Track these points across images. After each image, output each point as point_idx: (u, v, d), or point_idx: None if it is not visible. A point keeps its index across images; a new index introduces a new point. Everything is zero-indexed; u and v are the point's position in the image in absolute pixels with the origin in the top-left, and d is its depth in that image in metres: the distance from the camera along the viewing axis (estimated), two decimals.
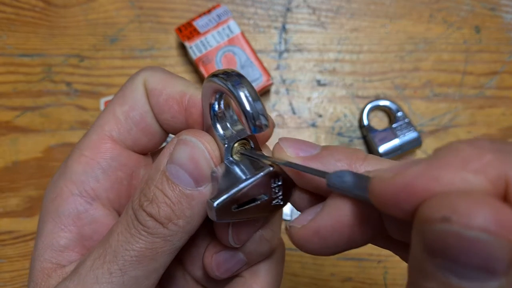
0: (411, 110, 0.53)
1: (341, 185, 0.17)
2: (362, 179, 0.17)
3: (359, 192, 0.17)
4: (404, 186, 0.14)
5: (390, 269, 0.48)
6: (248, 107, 0.18)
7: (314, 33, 0.55)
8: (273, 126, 0.22)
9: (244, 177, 0.20)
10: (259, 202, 0.20)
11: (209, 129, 0.21)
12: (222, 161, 0.21)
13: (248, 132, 0.19)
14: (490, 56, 0.55)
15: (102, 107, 0.51)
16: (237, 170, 0.21)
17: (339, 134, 0.52)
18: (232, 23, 0.50)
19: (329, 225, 0.18)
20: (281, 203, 0.21)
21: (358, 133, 0.52)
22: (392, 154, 0.49)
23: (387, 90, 0.53)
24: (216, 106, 0.21)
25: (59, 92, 0.53)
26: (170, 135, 0.24)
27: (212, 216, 0.19)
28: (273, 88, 0.53)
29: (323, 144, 0.54)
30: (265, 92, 0.52)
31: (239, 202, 0.20)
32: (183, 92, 0.22)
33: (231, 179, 0.20)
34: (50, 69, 0.54)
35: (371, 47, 0.55)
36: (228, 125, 0.21)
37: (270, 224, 0.23)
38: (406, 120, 0.50)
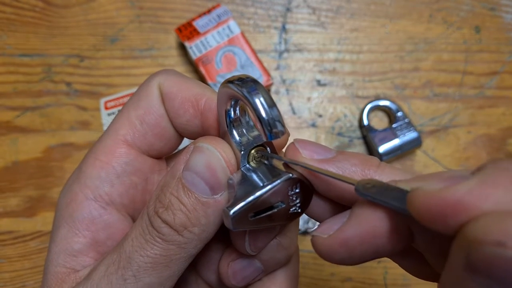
0: (411, 110, 0.53)
1: (373, 193, 0.17)
2: (393, 189, 0.17)
3: (392, 201, 0.16)
4: (454, 202, 0.14)
5: (390, 269, 0.48)
6: (264, 114, 0.18)
7: (314, 33, 0.55)
8: (288, 133, 0.22)
9: (261, 184, 0.20)
10: (276, 210, 0.20)
11: (225, 135, 0.21)
12: (238, 168, 0.21)
13: (264, 139, 0.19)
14: (490, 56, 0.55)
15: (102, 107, 0.51)
16: (254, 177, 0.20)
17: (339, 134, 0.52)
18: (232, 23, 0.50)
19: (358, 235, 0.17)
20: (299, 211, 0.21)
21: (358, 133, 0.52)
22: (392, 154, 0.49)
23: (387, 90, 0.53)
24: (232, 113, 0.20)
25: (59, 92, 0.53)
26: (186, 138, 0.24)
27: (229, 224, 0.19)
28: (273, 88, 0.53)
29: (323, 144, 0.54)
30: None
31: (256, 210, 0.19)
32: (199, 96, 0.22)
33: (248, 187, 0.20)
34: (50, 69, 0.53)
35: (371, 47, 0.55)
36: (244, 131, 0.21)
37: (288, 231, 0.23)
38: (406, 120, 0.50)
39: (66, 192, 0.22)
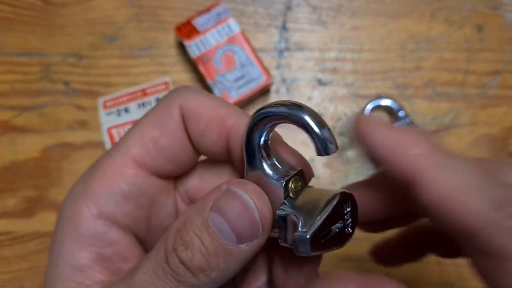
0: (412, 110, 0.52)
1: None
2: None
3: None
4: None
5: (390, 269, 0.47)
6: (318, 131, 0.18)
7: (315, 32, 0.55)
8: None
9: (317, 208, 0.19)
10: (337, 231, 0.19)
11: (253, 168, 0.20)
12: (273, 207, 0.20)
13: (317, 155, 0.19)
14: (492, 55, 0.54)
15: (100, 106, 0.50)
16: (305, 204, 0.20)
17: (340, 134, 0.52)
18: (232, 22, 0.49)
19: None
20: (350, 231, 0.20)
21: None
22: None
23: (389, 90, 0.53)
24: (263, 143, 0.20)
25: (58, 91, 0.52)
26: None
27: (306, 250, 0.18)
28: (273, 88, 0.53)
29: None
30: (265, 91, 0.52)
31: (323, 233, 0.19)
32: (226, 116, 0.21)
33: (305, 213, 0.19)
34: (48, 68, 0.53)
35: (372, 46, 0.54)
36: (276, 162, 0.21)
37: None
38: (407, 120, 0.49)
39: (71, 204, 0.22)
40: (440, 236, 0.22)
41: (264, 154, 0.20)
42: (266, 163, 0.20)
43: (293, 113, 0.19)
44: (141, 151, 0.21)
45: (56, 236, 0.22)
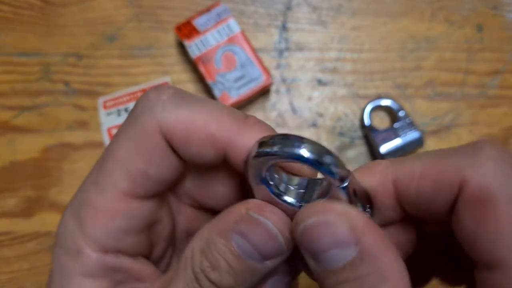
0: (412, 110, 0.52)
1: None
2: None
3: None
4: None
5: None
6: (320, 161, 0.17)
7: (315, 32, 0.55)
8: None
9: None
10: None
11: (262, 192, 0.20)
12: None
13: (338, 184, 0.18)
14: (492, 55, 0.54)
15: (100, 106, 0.50)
16: None
17: (340, 134, 0.52)
18: (232, 22, 0.49)
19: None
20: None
21: (359, 133, 0.52)
22: (394, 154, 0.49)
23: (389, 90, 0.53)
24: (268, 177, 0.19)
25: (57, 91, 0.52)
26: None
27: None
28: (273, 88, 0.53)
29: (324, 143, 0.53)
30: (265, 91, 0.52)
31: None
32: (217, 133, 0.20)
33: None
34: (48, 68, 0.53)
35: (372, 46, 0.54)
36: (284, 181, 0.20)
37: None
38: (407, 120, 0.49)
39: (70, 242, 0.21)
40: (447, 261, 0.22)
41: (270, 184, 0.19)
42: (273, 193, 0.20)
43: (290, 153, 0.17)
44: (130, 185, 0.20)
45: (59, 273, 0.21)
